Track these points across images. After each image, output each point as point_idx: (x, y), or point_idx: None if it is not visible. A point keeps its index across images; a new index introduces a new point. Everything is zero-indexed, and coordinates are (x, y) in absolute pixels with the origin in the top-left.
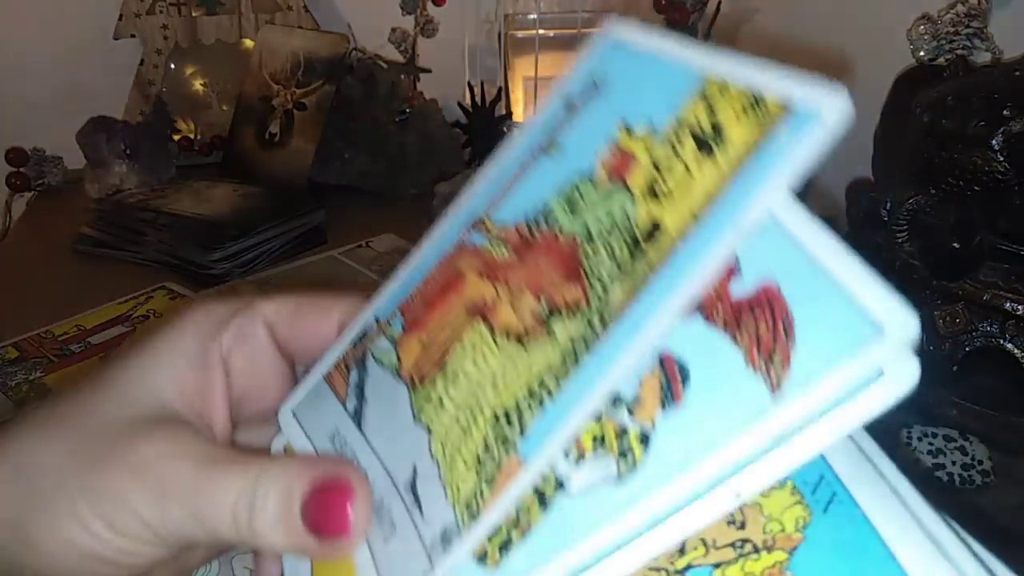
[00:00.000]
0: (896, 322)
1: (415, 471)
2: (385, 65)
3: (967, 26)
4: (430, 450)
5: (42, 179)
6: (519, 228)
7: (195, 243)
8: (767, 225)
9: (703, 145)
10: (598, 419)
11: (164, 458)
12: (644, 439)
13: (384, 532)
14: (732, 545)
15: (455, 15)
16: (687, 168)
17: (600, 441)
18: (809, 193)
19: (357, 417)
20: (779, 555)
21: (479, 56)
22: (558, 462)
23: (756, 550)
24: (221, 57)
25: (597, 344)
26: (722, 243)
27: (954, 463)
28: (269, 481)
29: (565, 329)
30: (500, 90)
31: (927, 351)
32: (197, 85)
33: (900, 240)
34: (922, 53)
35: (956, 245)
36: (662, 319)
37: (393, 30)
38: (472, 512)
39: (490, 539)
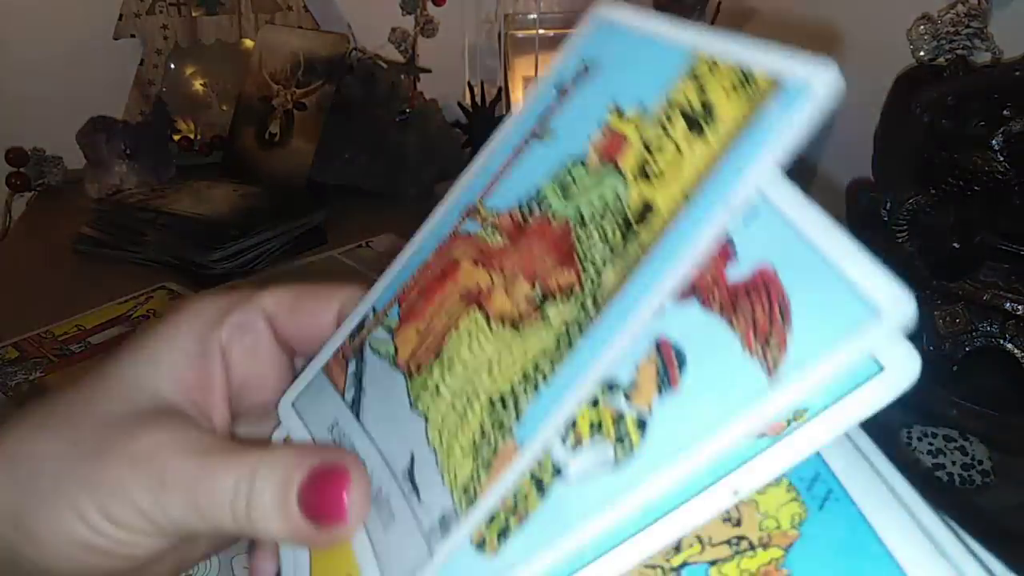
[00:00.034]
0: (892, 304)
1: (412, 459)
2: (385, 65)
3: (967, 26)
4: (427, 437)
5: (42, 179)
6: (512, 214)
7: (195, 243)
8: (763, 210)
9: (693, 124)
10: (595, 405)
11: (163, 449)
12: (641, 424)
13: (383, 520)
14: (728, 542)
15: (455, 15)
16: (678, 148)
17: (597, 427)
18: (809, 193)
19: (355, 407)
20: (775, 552)
21: (479, 56)
22: (555, 449)
23: (752, 547)
24: (221, 57)
25: (591, 326)
26: (713, 222)
27: (954, 463)
28: (267, 470)
29: (559, 313)
30: (500, 90)
31: (927, 351)
32: (197, 85)
33: (900, 240)
34: (922, 53)
35: (956, 245)
36: (655, 299)
37: (393, 30)
38: (470, 497)
39: (488, 526)
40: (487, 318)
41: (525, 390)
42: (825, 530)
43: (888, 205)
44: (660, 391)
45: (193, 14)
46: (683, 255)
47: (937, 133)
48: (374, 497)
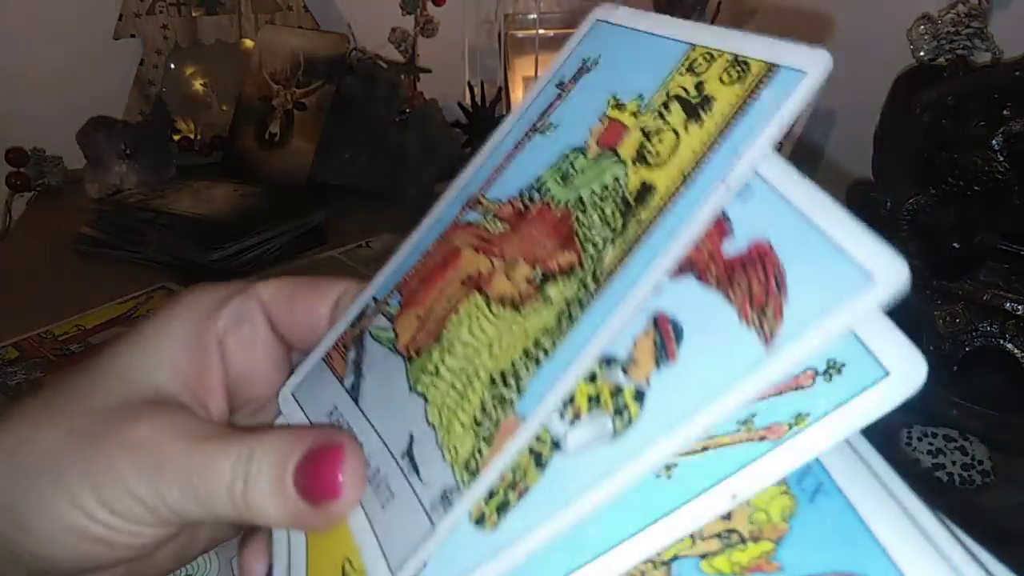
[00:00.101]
0: (885, 269)
1: (411, 438)
2: (385, 65)
3: (967, 26)
4: (426, 416)
5: (42, 179)
6: (513, 202)
7: (195, 243)
8: (758, 187)
9: (691, 111)
10: (593, 380)
11: (159, 436)
12: (639, 396)
13: (381, 500)
14: (718, 535)
15: (455, 15)
16: (675, 133)
17: (595, 401)
18: None
19: (354, 392)
20: (765, 545)
21: (479, 56)
22: (553, 423)
23: (743, 540)
24: (221, 57)
25: (592, 302)
26: (710, 199)
27: (954, 463)
28: (262, 453)
29: (560, 291)
30: (500, 90)
31: (927, 351)
32: (197, 85)
33: (900, 240)
34: (922, 53)
35: (956, 245)
36: (656, 273)
37: (393, 30)
38: (471, 471)
39: (487, 501)
40: (488, 301)
41: (527, 366)
42: (815, 523)
43: (888, 205)
44: (658, 364)
45: (193, 14)
46: (682, 231)
47: (937, 133)
48: (371, 478)
